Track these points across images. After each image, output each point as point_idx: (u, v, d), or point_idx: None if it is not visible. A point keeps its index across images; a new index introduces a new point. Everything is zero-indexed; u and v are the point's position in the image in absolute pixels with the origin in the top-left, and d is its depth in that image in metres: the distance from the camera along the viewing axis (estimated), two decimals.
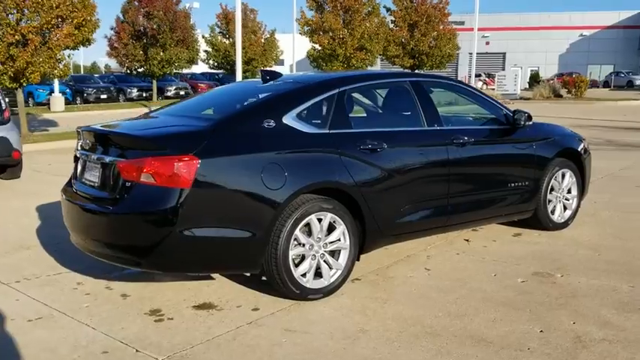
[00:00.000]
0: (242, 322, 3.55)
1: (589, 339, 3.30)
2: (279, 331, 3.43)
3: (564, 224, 5.59)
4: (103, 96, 28.62)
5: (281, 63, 35.51)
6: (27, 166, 9.08)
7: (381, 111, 4.71)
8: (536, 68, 53.17)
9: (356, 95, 4.26)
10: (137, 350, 3.21)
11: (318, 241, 3.84)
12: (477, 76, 40.05)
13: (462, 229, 5.16)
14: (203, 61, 32.58)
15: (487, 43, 53.66)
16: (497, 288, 4.09)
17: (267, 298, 3.91)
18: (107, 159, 3.68)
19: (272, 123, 3.78)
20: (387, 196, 4.15)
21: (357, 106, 4.25)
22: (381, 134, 4.20)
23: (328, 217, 3.86)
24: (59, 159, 10.38)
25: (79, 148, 4.12)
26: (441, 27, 24.92)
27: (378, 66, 30.54)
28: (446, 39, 25.63)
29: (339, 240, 3.94)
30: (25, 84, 13.05)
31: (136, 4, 27.57)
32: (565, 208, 5.61)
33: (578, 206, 5.74)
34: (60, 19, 12.72)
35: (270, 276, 3.72)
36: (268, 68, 39.60)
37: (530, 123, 5.01)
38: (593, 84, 46.14)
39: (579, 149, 5.65)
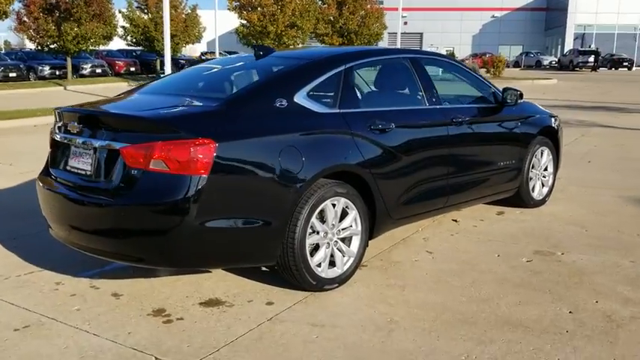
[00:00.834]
0: (261, 319, 3.28)
1: (619, 317, 3.29)
2: (305, 327, 3.18)
3: (542, 201, 5.66)
4: (12, 74, 26.48)
5: (198, 41, 34.37)
6: None
7: (384, 89, 4.49)
8: (452, 49, 54.67)
9: (360, 72, 4.02)
10: (157, 358, 2.87)
11: (331, 228, 3.61)
12: None
13: (456, 210, 5.08)
14: (120, 37, 30.89)
15: (405, 23, 54.42)
16: (506, 269, 4.03)
17: (277, 290, 3.65)
18: (102, 144, 3.25)
19: (284, 102, 3.48)
20: (395, 178, 3.98)
21: (361, 83, 4.01)
22: (388, 113, 4.01)
23: (342, 203, 3.63)
24: None
25: (59, 131, 3.64)
26: (369, 6, 24.94)
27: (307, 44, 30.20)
28: (374, 18, 25.69)
29: (351, 226, 3.73)
30: None
31: None
32: (543, 185, 5.68)
33: (553, 183, 5.83)
34: None
35: (285, 267, 3.46)
36: (199, 46, 38.22)
37: (521, 102, 4.98)
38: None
39: (555, 126, 5.72)
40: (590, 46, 51.52)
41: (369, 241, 3.96)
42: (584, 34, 55.97)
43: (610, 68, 46.18)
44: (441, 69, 4.83)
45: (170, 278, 3.85)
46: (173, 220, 3.02)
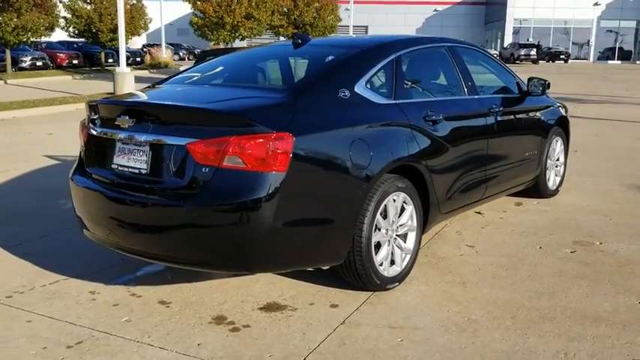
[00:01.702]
0: (334, 323, 3.08)
1: None
2: (384, 330, 3.01)
3: (556, 191, 5.68)
4: None
5: (145, 32, 33.16)
6: None
7: (429, 78, 4.34)
8: None
9: (408, 61, 3.86)
10: None
11: (391, 225, 3.45)
12: None
13: (489, 202, 4.99)
14: (62, 28, 29.42)
15: (349, 17, 54.69)
16: (554, 261, 3.98)
17: (334, 291, 3.45)
18: (161, 139, 2.95)
19: (347, 93, 3.27)
20: (445, 171, 3.84)
21: (409, 73, 3.85)
22: (437, 104, 3.88)
23: (401, 198, 3.47)
24: None
25: (96, 125, 3.30)
26: None
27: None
28: (329, 10, 25.56)
29: (408, 222, 3.57)
30: None
31: None
32: (556, 175, 5.69)
33: (564, 173, 5.86)
34: None
35: (349, 267, 3.26)
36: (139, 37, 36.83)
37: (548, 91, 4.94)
38: None
39: (567, 116, 5.74)
40: (528, 40, 53.16)
41: None
42: (520, 27, 57.76)
43: (548, 61, 47.81)
44: (471, 58, 4.71)
45: (215, 282, 3.59)
46: (251, 221, 2.77)
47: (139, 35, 32.17)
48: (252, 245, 2.82)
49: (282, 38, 26.67)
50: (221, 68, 3.95)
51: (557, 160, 5.68)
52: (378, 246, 3.39)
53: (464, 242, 4.36)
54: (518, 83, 4.97)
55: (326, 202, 3.05)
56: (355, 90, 3.32)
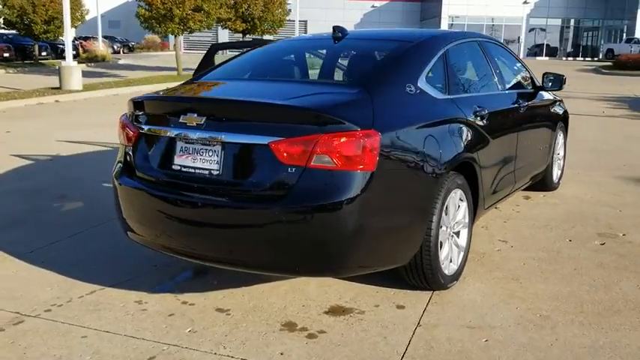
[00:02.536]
0: (409, 325, 2.99)
1: None
2: (465, 330, 2.94)
3: (557, 184, 5.80)
4: None
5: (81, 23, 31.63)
6: None
7: (471, 73, 4.29)
8: None
9: (454, 56, 3.78)
10: None
11: (450, 222, 3.39)
12: None
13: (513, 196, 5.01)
14: None
15: (289, 11, 54.42)
16: (590, 254, 4.04)
17: (394, 292, 3.36)
18: (238, 139, 2.74)
19: (412, 88, 3.18)
20: (490, 166, 3.83)
21: (455, 67, 3.78)
22: (482, 99, 3.85)
23: (458, 195, 3.42)
24: None
25: (147, 123, 3.05)
26: None
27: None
28: (277, 4, 25.26)
29: (463, 219, 3.53)
30: None
31: None
32: (558, 169, 5.82)
33: (564, 166, 6.00)
34: None
35: (416, 267, 3.18)
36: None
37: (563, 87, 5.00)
38: None
39: (567, 111, 5.87)
40: None
41: None
42: (453, 24, 59.28)
43: None
44: (497, 52, 4.70)
45: (266, 286, 3.43)
46: (343, 222, 2.63)
47: (76, 27, 30.77)
48: (345, 248, 2.68)
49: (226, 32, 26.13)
50: (265, 63, 3.76)
51: (558, 154, 5.80)
52: (440, 245, 3.33)
53: (495, 237, 4.36)
54: (532, 78, 5.02)
55: (405, 201, 2.95)
56: (418, 85, 3.23)
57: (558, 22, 58.87)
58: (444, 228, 3.31)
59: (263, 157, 2.68)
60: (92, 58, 31.76)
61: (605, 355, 2.73)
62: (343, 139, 2.60)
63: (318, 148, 2.59)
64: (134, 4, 23.00)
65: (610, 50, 43.12)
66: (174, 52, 22.57)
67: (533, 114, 4.79)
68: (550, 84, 4.91)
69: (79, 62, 18.96)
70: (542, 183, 5.49)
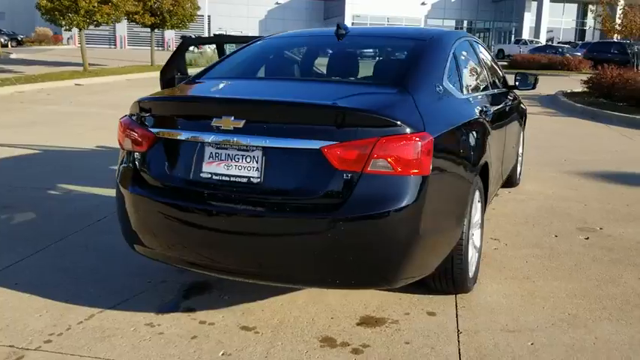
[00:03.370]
0: (449, 333, 2.89)
1: None
2: (507, 335, 2.88)
3: (519, 180, 5.96)
4: None
5: None
6: None
7: (472, 73, 4.22)
8: (240, 33, 54.69)
9: (458, 55, 3.70)
10: None
11: (473, 223, 3.33)
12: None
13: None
14: None
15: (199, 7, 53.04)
16: (581, 249, 4.14)
17: (418, 297, 3.25)
18: (282, 143, 2.50)
19: (440, 88, 3.07)
20: (493, 165, 3.81)
21: (462, 67, 3.70)
22: (487, 98, 3.83)
23: (477, 196, 3.37)
24: None
25: (162, 126, 2.72)
26: None
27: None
28: None
29: (479, 219, 3.49)
30: None
31: None
32: (519, 165, 5.97)
33: (522, 163, 6.17)
34: None
35: (446, 272, 3.08)
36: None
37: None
38: None
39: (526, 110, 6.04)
40: None
41: None
42: (353, 23, 60.41)
43: None
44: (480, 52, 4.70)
45: (281, 299, 3.20)
46: (403, 230, 2.47)
47: None
48: (403, 257, 2.52)
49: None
50: (277, 61, 3.50)
51: (520, 151, 5.96)
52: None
53: (486, 236, 4.36)
54: (504, 77, 5.09)
55: (449, 205, 2.85)
56: (444, 84, 3.13)
57: (453, 23, 61.60)
58: (470, 230, 3.25)
59: (314, 163, 2.46)
60: None
61: None
62: (401, 143, 2.44)
63: (376, 153, 2.41)
64: None
65: (501, 50, 45.56)
66: (69, 46, 21.23)
67: (511, 112, 4.86)
68: (521, 83, 5.00)
69: None
70: (509, 180, 5.60)
